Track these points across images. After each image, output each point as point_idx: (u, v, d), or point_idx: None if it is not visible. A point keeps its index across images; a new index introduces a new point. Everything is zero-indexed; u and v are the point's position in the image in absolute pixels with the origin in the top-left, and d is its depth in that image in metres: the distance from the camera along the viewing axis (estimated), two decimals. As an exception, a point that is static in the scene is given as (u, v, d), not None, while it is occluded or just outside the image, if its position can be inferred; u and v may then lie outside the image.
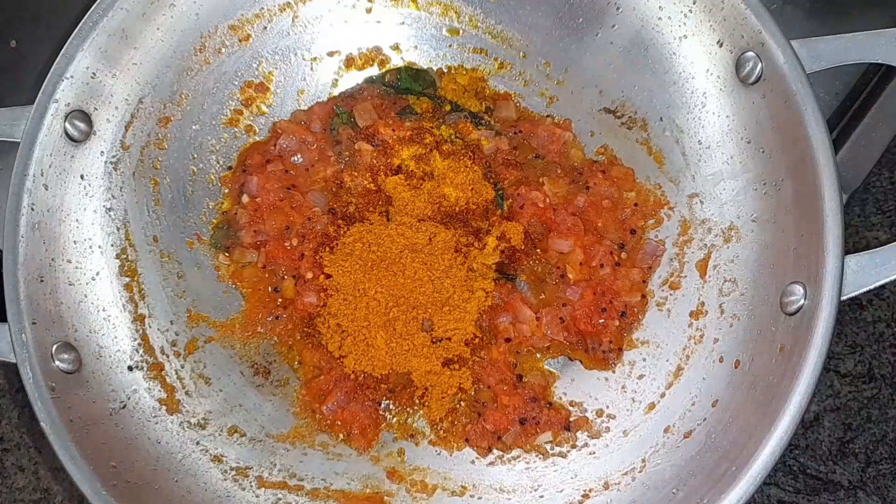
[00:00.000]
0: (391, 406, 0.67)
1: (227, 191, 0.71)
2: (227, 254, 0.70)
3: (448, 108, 0.72)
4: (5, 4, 0.76)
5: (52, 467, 0.73)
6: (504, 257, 0.67)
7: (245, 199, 0.69)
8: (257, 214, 0.69)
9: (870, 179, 0.73)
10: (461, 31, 0.72)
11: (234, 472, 0.65)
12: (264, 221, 0.69)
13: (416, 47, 0.73)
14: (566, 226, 0.67)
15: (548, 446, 0.66)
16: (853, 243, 0.72)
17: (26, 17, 0.76)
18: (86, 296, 0.65)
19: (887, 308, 0.71)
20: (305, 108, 0.72)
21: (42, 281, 0.62)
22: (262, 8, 0.70)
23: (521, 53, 0.72)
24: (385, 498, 0.66)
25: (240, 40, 0.70)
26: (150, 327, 0.67)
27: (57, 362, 0.61)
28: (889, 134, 0.71)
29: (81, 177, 0.65)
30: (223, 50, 0.70)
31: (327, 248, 0.67)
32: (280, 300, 0.69)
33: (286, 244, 0.68)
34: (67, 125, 0.63)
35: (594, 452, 0.66)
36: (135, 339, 0.66)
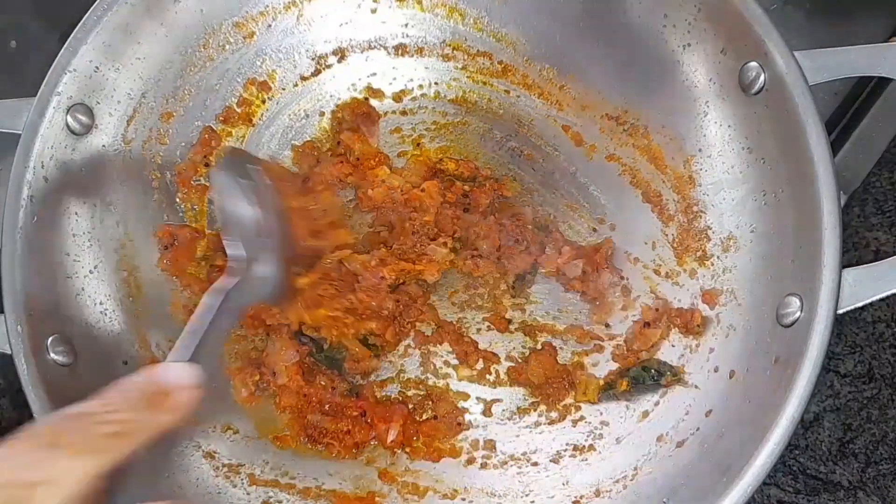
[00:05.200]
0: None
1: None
2: None
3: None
4: (5, 4, 0.77)
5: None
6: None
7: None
8: None
9: (870, 179, 0.72)
10: (465, 38, 0.72)
11: (225, 469, 0.65)
12: None
13: (420, 49, 0.73)
14: None
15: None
16: (853, 243, 0.72)
17: (26, 17, 0.76)
18: (83, 289, 0.65)
19: (887, 308, 0.71)
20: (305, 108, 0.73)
21: (40, 273, 0.62)
22: (268, 6, 0.70)
23: (525, 58, 0.72)
24: (377, 499, 0.66)
25: (244, 37, 0.70)
26: (145, 322, 0.67)
27: (52, 355, 0.61)
28: (889, 134, 0.70)
29: (82, 170, 0.65)
30: (227, 47, 0.70)
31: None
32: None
33: None
34: (69, 118, 0.63)
35: (586, 459, 0.66)
36: (130, 334, 0.66)
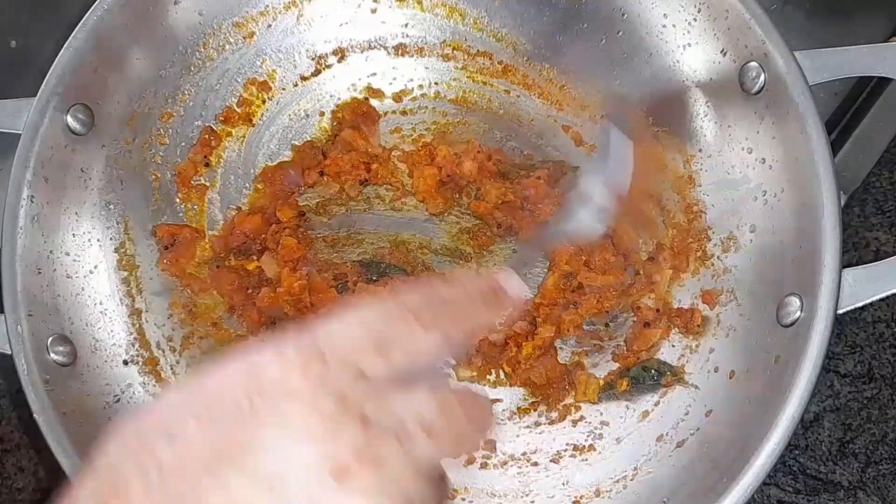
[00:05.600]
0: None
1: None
2: None
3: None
4: (5, 4, 0.77)
5: (52, 468, 0.73)
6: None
7: None
8: None
9: (870, 179, 0.72)
10: (465, 38, 0.72)
11: (225, 469, 0.65)
12: None
13: (420, 49, 0.73)
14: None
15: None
16: (853, 243, 0.72)
17: (26, 17, 0.76)
18: (83, 289, 0.65)
19: (887, 308, 0.71)
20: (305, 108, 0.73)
21: (39, 273, 0.62)
22: (268, 6, 0.70)
23: (525, 58, 0.72)
24: (377, 498, 0.66)
25: (244, 37, 0.70)
26: (146, 322, 0.67)
27: (52, 354, 0.61)
28: (889, 134, 0.70)
29: (82, 170, 0.65)
30: (227, 47, 0.70)
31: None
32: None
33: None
34: (69, 118, 0.63)
35: (586, 459, 0.66)
36: (131, 334, 0.67)
